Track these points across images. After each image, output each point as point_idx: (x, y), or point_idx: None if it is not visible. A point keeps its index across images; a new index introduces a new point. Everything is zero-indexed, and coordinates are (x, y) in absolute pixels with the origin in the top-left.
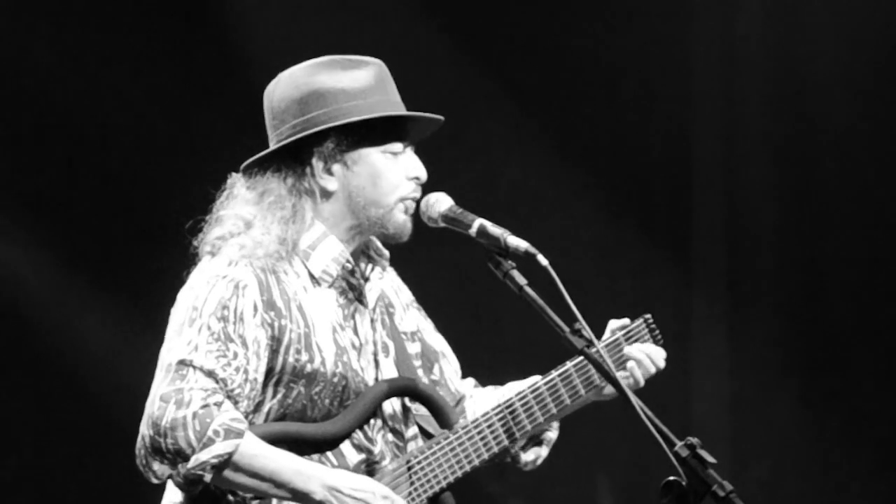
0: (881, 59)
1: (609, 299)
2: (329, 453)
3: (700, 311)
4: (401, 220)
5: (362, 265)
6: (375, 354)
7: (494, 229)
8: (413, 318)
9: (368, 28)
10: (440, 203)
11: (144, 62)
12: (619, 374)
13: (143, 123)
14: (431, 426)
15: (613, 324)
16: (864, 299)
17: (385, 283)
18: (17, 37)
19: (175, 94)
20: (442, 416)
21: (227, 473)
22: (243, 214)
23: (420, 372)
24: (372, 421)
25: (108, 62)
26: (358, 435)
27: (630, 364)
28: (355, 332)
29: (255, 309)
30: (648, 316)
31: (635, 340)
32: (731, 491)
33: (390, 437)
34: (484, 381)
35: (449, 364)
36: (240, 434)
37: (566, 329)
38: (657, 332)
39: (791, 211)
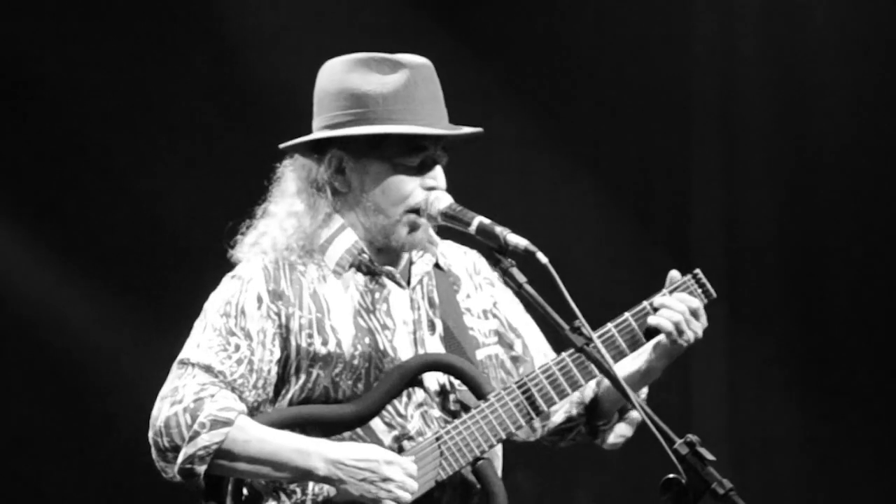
0: (882, 59)
1: (607, 297)
2: (360, 430)
3: None
4: (403, 236)
5: (406, 249)
6: (415, 333)
7: (494, 227)
8: (487, 296)
9: (363, 21)
10: (440, 201)
11: (143, 59)
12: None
13: (144, 118)
14: (470, 400)
15: (673, 275)
16: (864, 299)
17: (457, 262)
18: (16, 36)
19: (179, 91)
20: (476, 387)
21: (221, 462)
22: (270, 210)
23: (493, 349)
24: (405, 398)
25: (106, 58)
26: (389, 412)
27: (657, 321)
28: (388, 313)
29: (260, 301)
30: (698, 271)
31: None
32: (730, 489)
33: (436, 412)
34: None
35: (535, 343)
36: (227, 423)
37: (566, 326)
38: (707, 286)
39: (790, 211)
